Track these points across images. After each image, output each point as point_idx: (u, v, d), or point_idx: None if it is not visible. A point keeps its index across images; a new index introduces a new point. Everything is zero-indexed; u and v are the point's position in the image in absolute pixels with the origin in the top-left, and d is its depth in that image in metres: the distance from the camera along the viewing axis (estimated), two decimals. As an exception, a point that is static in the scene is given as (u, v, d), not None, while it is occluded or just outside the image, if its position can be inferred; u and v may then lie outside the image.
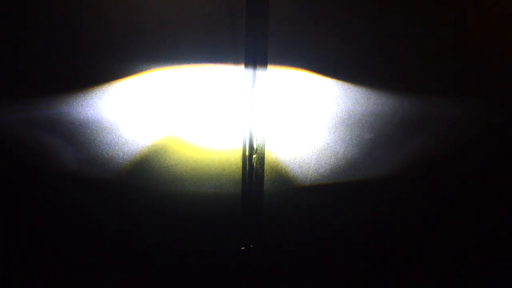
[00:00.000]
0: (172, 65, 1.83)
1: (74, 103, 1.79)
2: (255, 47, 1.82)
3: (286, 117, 1.92)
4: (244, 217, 1.90)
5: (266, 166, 1.90)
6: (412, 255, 2.06)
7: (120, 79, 1.82)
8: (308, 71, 1.91)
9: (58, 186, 1.81)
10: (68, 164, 1.81)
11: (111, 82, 1.81)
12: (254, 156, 1.86)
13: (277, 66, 1.88)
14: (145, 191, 1.86)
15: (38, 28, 1.76)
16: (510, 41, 2.04)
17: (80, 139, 1.81)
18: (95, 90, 1.80)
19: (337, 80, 1.94)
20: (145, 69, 1.82)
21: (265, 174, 1.90)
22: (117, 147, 1.83)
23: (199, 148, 1.88)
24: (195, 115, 1.86)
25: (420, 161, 2.02)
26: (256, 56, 1.82)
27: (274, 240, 1.96)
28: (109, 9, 1.79)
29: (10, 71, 1.77)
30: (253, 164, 1.87)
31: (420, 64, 2.01)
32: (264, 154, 1.88)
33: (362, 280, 2.04)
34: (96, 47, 1.79)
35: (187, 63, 1.84)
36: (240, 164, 1.89)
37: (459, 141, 2.04)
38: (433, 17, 2.00)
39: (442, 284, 2.09)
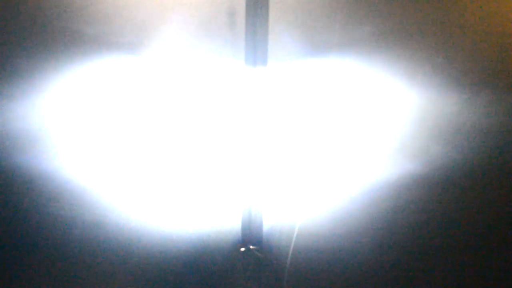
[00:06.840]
0: (171, 65, 1.83)
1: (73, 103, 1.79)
2: (255, 47, 1.81)
3: (286, 117, 1.91)
4: (244, 217, 1.90)
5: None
6: (412, 255, 2.06)
7: (119, 79, 1.82)
8: (308, 71, 1.91)
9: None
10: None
11: (111, 82, 1.81)
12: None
13: (277, 65, 1.87)
14: (145, 191, 1.87)
15: (38, 28, 1.76)
16: (510, 40, 2.04)
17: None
18: (95, 90, 1.81)
19: (338, 80, 1.93)
20: (144, 69, 1.82)
21: (265, 175, 1.90)
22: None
23: (199, 148, 1.88)
24: (195, 115, 1.86)
25: (422, 161, 2.02)
26: (256, 56, 1.82)
27: (274, 241, 1.96)
28: (108, 8, 1.79)
29: (10, 71, 1.77)
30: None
31: (420, 64, 2.00)
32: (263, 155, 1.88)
33: (362, 281, 2.04)
34: (95, 47, 1.79)
35: (187, 63, 1.84)
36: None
37: (461, 141, 2.04)
38: (433, 16, 1.99)
39: (443, 284, 2.09)
